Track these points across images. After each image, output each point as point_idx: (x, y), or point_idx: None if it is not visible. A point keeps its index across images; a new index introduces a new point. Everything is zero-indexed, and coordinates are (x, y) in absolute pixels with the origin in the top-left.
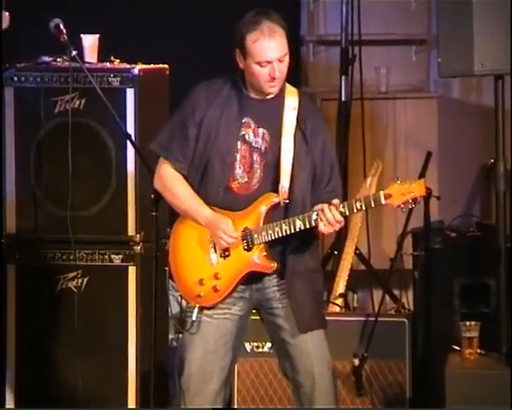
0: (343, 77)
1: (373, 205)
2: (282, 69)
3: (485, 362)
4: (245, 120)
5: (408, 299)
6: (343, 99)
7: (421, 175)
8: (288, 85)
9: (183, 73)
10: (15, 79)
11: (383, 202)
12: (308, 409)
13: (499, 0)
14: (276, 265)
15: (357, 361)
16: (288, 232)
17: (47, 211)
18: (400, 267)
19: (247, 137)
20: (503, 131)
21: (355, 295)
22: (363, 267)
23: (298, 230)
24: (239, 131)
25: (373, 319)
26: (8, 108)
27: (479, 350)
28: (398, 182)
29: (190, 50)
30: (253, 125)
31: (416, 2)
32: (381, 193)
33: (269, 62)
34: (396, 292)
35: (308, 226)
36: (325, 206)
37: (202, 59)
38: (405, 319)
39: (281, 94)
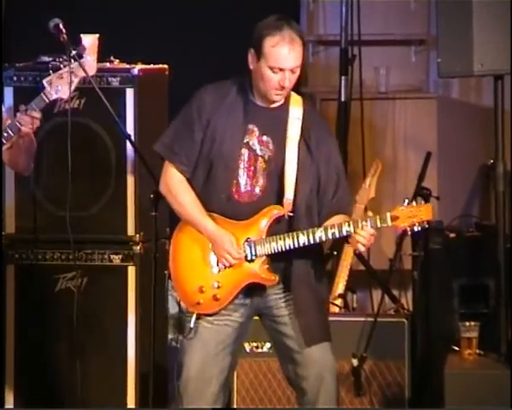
0: (342, 77)
1: (379, 226)
2: (291, 80)
3: (484, 362)
4: (250, 126)
5: (407, 299)
6: (342, 99)
7: (421, 175)
8: (292, 94)
9: (183, 73)
10: (15, 78)
11: (389, 223)
12: (308, 409)
13: (499, 0)
14: (277, 278)
15: (356, 361)
16: (292, 247)
17: (46, 211)
18: (399, 268)
19: (251, 143)
20: (503, 131)
21: (354, 296)
22: (362, 268)
23: (301, 245)
24: (243, 138)
25: (372, 319)
26: (7, 107)
27: (478, 350)
28: (405, 204)
29: (190, 50)
30: (257, 133)
31: (415, 3)
32: (388, 215)
33: (281, 70)
34: (395, 292)
35: (312, 242)
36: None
37: (202, 59)
38: (404, 320)
39: (286, 103)
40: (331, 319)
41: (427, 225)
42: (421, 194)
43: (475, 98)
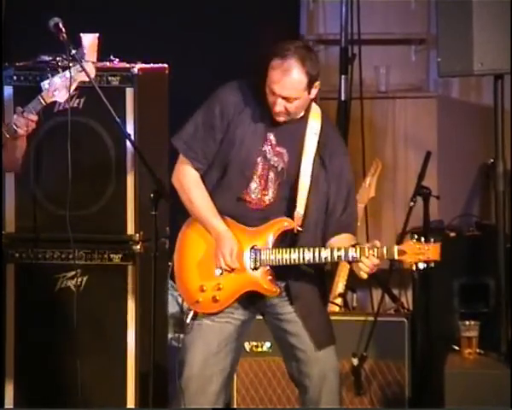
0: (342, 76)
1: (385, 257)
2: (288, 107)
3: (484, 362)
4: (268, 135)
5: (407, 298)
6: (342, 98)
7: (421, 175)
8: (313, 105)
9: (183, 73)
10: (15, 77)
11: (396, 257)
12: (308, 409)
13: (499, 0)
14: (278, 290)
15: (356, 361)
16: (296, 262)
17: (46, 210)
18: (399, 267)
19: (267, 153)
20: (503, 130)
21: (354, 295)
22: None
23: (306, 262)
24: (262, 147)
25: (372, 318)
26: (7, 107)
27: (478, 350)
28: (415, 240)
29: (190, 50)
30: (274, 143)
31: (415, 2)
32: (396, 248)
33: (274, 94)
34: (395, 292)
35: (317, 261)
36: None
37: (202, 59)
38: (404, 319)
39: (305, 115)
40: (331, 318)
41: (432, 265)
42: (421, 193)
43: (475, 97)
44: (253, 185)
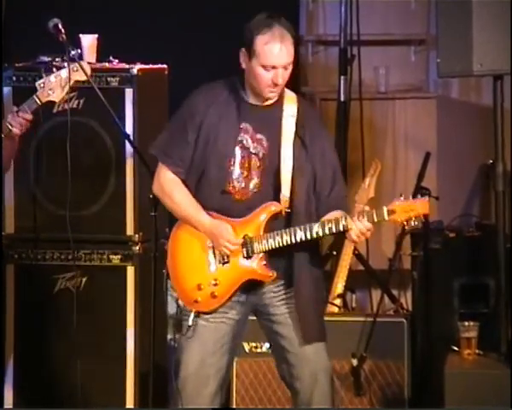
0: (342, 77)
1: (375, 220)
2: (284, 76)
3: (483, 362)
4: (243, 125)
5: (407, 299)
6: (342, 99)
7: (421, 175)
8: (286, 91)
9: (183, 73)
10: (14, 78)
11: (386, 217)
12: (308, 409)
13: (499, 0)
14: (274, 274)
15: (355, 361)
16: (289, 242)
17: (46, 210)
18: (399, 267)
19: (244, 142)
20: (502, 131)
21: (354, 296)
22: (361, 267)
23: (299, 240)
24: (237, 137)
25: (372, 319)
26: (6, 107)
27: (477, 350)
28: (402, 198)
29: (190, 50)
30: (250, 131)
31: (415, 3)
32: (385, 209)
33: (274, 67)
34: (395, 292)
35: (309, 238)
36: (354, 218)
37: (202, 59)
38: (404, 320)
39: (279, 100)
40: (331, 318)
41: (423, 220)
42: (421, 194)
43: (475, 98)
44: (236, 175)
